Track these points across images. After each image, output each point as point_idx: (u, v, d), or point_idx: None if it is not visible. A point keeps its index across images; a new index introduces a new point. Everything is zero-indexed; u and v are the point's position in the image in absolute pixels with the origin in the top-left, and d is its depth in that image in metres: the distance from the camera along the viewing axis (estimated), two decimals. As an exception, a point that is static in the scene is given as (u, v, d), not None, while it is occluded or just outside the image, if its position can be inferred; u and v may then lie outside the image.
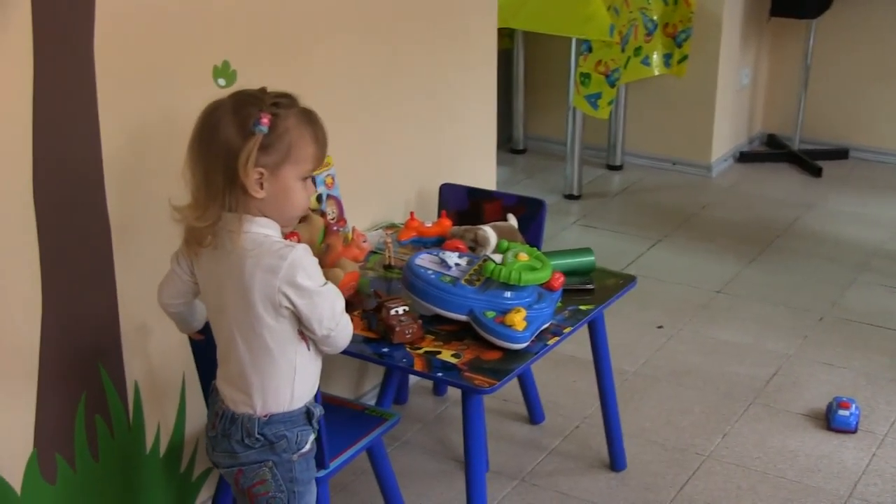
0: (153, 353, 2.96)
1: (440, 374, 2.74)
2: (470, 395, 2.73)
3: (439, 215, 3.47)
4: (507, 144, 6.62)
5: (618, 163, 6.31)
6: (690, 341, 4.33)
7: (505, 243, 3.01)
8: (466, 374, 2.71)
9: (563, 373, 4.08)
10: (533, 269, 2.89)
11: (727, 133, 6.29)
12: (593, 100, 5.53)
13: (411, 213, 3.45)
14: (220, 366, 2.49)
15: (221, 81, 3.00)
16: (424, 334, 2.87)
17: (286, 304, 2.31)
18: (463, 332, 2.88)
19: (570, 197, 5.90)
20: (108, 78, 2.69)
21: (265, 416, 2.40)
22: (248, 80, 3.01)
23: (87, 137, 2.69)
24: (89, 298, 2.79)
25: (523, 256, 2.92)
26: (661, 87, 6.10)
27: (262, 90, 2.33)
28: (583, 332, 3.18)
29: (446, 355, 2.79)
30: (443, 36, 3.88)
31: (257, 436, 2.40)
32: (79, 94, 2.65)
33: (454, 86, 3.99)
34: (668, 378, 4.06)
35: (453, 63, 3.97)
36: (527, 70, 6.41)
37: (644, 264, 5.05)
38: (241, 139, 2.23)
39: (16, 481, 2.66)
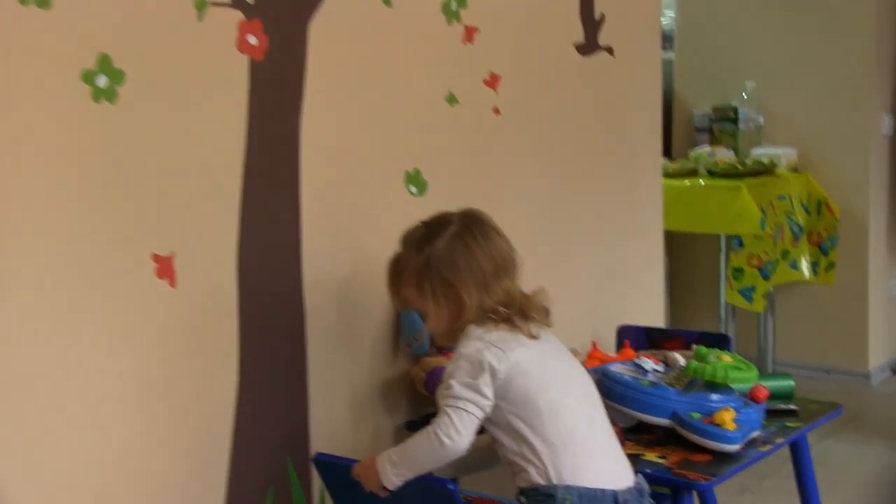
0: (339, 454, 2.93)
1: (648, 471, 2.64)
2: (682, 493, 2.64)
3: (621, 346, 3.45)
4: (653, 351, 6.53)
5: (769, 371, 6.17)
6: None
7: (703, 349, 2.96)
8: (677, 471, 2.64)
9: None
10: (738, 369, 2.84)
11: (883, 341, 6.15)
12: (748, 293, 5.51)
13: (593, 343, 3.43)
14: (588, 450, 2.46)
15: (413, 189, 3.09)
16: (625, 438, 2.80)
17: None
18: (665, 440, 2.81)
19: (719, 405, 5.74)
20: (309, 174, 2.81)
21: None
22: (436, 191, 3.13)
23: (289, 231, 2.80)
24: (282, 392, 2.80)
25: (726, 358, 2.88)
26: (810, 293, 6.05)
27: None
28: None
29: (652, 457, 2.73)
30: (615, 195, 4.00)
31: (648, 489, 2.52)
32: (284, 187, 2.77)
33: (623, 242, 4.06)
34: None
35: (623, 223, 4.05)
36: (672, 273, 6.36)
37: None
38: None
39: (204, 571, 2.63)
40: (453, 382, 2.41)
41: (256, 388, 2.71)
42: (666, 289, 6.28)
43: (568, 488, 2.38)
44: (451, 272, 2.46)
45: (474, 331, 2.45)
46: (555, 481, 2.39)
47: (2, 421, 2.23)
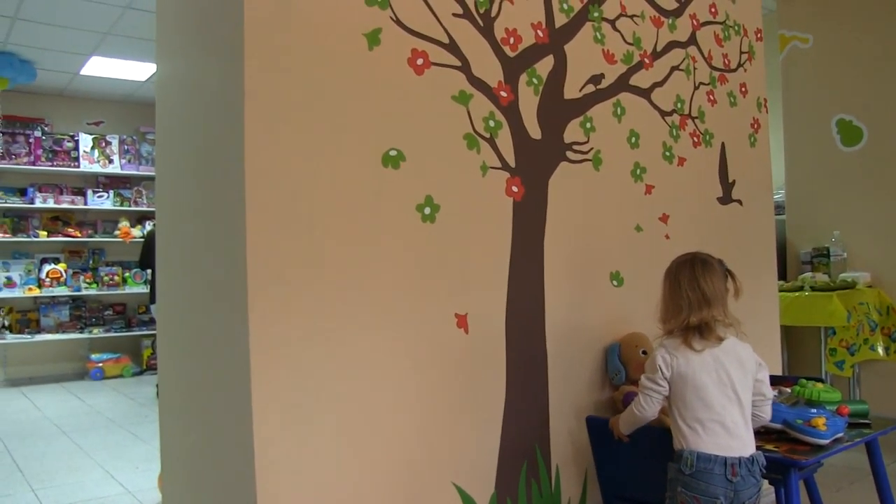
0: (569, 448, 2.91)
1: (766, 455, 2.53)
2: (790, 470, 2.51)
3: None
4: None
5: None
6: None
7: (804, 380, 2.86)
8: (786, 454, 2.52)
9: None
10: (827, 391, 2.74)
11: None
12: (840, 365, 5.22)
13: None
14: (711, 430, 2.33)
15: (615, 282, 3.11)
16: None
17: (758, 377, 2.42)
18: (778, 438, 2.66)
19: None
20: (549, 268, 2.86)
21: (756, 450, 2.38)
22: (629, 284, 3.13)
23: (536, 302, 2.83)
24: (533, 402, 2.81)
25: (819, 385, 2.77)
26: (885, 366, 5.57)
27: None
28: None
29: (769, 447, 2.59)
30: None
31: (764, 461, 2.36)
32: (534, 275, 2.82)
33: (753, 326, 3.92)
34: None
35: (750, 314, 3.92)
36: (789, 354, 6.05)
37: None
38: (725, 274, 2.46)
39: (484, 509, 2.65)
40: (643, 376, 2.45)
41: (517, 398, 2.73)
42: (784, 363, 6.02)
43: (691, 452, 2.32)
44: (675, 284, 2.44)
45: (663, 341, 2.43)
46: (685, 447, 2.34)
47: (359, 392, 2.34)
